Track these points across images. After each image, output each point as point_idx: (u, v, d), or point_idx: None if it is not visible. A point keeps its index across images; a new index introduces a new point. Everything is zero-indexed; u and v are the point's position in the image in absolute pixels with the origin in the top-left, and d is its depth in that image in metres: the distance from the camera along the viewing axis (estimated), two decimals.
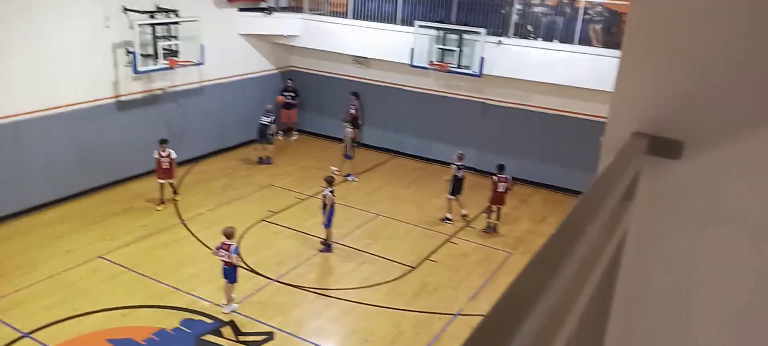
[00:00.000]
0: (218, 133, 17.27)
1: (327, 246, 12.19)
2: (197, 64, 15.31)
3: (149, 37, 14.13)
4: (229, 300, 10.03)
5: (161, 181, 13.57)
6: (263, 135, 16.63)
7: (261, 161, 16.80)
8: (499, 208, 13.51)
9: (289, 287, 10.85)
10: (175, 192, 14.06)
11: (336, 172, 15.51)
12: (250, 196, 14.76)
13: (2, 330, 9.11)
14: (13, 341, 8.91)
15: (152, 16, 14.25)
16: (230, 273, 9.91)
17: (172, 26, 14.54)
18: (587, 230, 1.17)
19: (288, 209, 14.09)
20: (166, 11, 14.50)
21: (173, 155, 13.54)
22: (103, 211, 13.34)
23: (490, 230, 13.49)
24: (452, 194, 13.75)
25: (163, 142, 13.54)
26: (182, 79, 15.74)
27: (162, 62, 14.37)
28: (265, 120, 16.54)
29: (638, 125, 1.88)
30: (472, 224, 13.83)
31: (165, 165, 13.47)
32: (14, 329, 9.17)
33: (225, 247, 9.80)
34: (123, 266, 11.16)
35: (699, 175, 1.84)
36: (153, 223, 12.95)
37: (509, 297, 0.93)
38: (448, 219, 13.81)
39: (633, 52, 1.93)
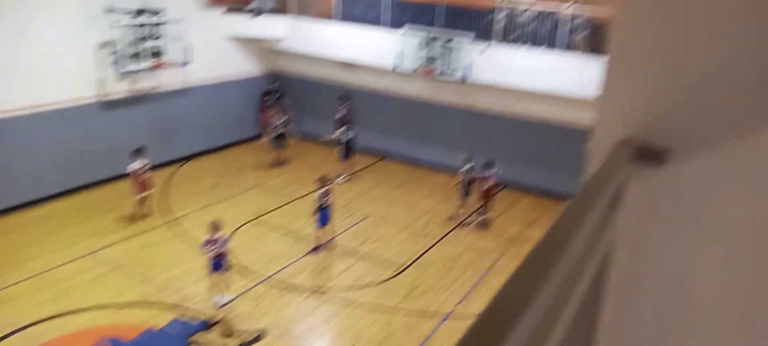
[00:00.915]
0: (205, 134, 17.20)
1: (317, 247, 12.19)
2: (183, 65, 15.22)
3: (134, 37, 14.04)
4: (222, 291, 10.02)
5: (141, 195, 12.80)
6: (279, 140, 16.75)
7: (279, 164, 16.83)
8: (487, 203, 13.89)
9: (279, 286, 10.84)
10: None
11: (343, 179, 15.80)
12: (240, 196, 14.71)
13: None
14: (4, 337, 8.85)
15: (136, 16, 14.13)
16: (221, 264, 9.91)
17: (158, 27, 14.44)
18: (574, 235, 1.18)
19: (277, 209, 14.06)
20: (151, 12, 14.38)
21: (148, 165, 12.88)
22: (92, 209, 13.25)
23: (484, 225, 13.84)
24: (465, 197, 14.10)
25: (139, 151, 12.73)
26: (168, 80, 15.63)
27: (146, 63, 14.28)
28: (279, 126, 16.65)
29: (625, 132, 1.84)
30: (462, 225, 13.87)
31: (143, 177, 12.76)
32: (4, 325, 9.10)
33: (214, 241, 9.78)
34: (113, 264, 11.10)
35: (688, 180, 1.81)
36: (142, 222, 12.88)
37: (500, 301, 0.94)
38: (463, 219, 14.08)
39: (618, 57, 1.88)
